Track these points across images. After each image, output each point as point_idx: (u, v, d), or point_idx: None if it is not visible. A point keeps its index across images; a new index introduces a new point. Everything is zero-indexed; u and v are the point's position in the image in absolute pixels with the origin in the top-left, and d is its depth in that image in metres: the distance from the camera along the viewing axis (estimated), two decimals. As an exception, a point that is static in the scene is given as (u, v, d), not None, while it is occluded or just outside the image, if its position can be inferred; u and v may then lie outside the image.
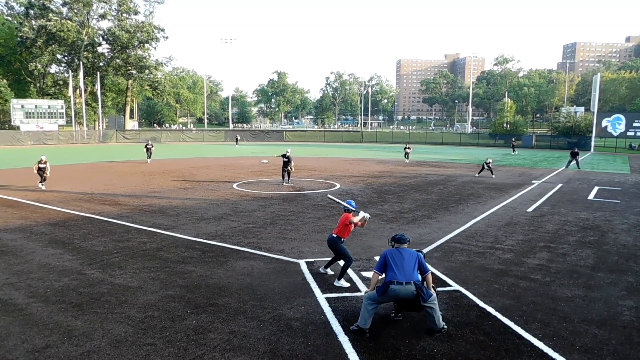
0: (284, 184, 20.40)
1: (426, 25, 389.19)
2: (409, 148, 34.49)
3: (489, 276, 8.44)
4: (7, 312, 6.63)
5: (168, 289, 7.58)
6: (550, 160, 37.90)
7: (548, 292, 7.67)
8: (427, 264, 6.41)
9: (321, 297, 7.24)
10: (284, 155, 20.77)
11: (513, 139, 52.89)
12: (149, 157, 31.90)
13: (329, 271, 8.40)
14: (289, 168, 20.61)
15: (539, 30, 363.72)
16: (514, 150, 48.04)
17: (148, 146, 32.13)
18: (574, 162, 29.66)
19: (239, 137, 60.14)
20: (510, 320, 6.52)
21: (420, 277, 6.22)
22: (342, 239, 8.02)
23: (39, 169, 18.75)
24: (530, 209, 15.22)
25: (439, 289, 7.62)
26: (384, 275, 6.23)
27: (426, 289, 6.12)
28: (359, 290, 7.56)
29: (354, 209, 8.05)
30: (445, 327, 6.17)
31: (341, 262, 8.06)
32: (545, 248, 10.42)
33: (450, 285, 7.87)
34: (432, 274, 6.80)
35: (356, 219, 7.93)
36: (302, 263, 8.97)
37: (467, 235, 11.56)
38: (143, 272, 8.41)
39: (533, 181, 22.80)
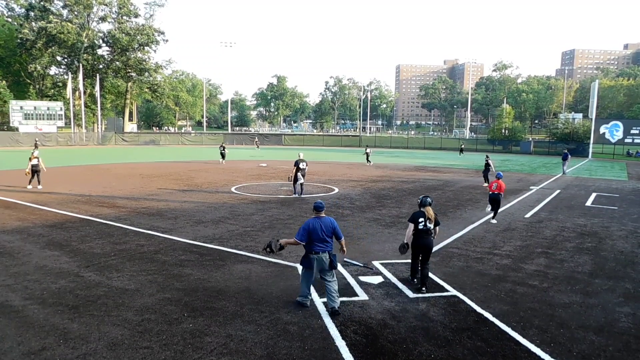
0: (296, 195, 17.86)
1: (425, 31, 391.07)
2: (368, 150, 36.25)
3: (486, 282, 8.44)
4: (3, 314, 6.60)
5: (165, 292, 7.56)
6: (549, 166, 37.97)
7: (545, 298, 7.67)
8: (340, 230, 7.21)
9: (318, 301, 7.22)
10: (298, 162, 17.86)
11: (461, 143, 57.68)
12: (223, 158, 33.57)
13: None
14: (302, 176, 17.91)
15: (538, 37, 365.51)
16: (460, 153, 51.82)
17: (222, 151, 33.77)
18: (565, 164, 30.32)
19: (257, 140, 60.75)
20: (507, 326, 6.52)
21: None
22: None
23: (32, 166, 18.84)
24: (528, 215, 15.24)
25: (437, 294, 7.65)
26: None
27: (334, 256, 7.01)
28: (356, 295, 7.55)
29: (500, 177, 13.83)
30: (338, 308, 6.78)
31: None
32: (543, 254, 10.43)
33: (447, 291, 7.86)
34: (430, 279, 7.57)
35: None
36: (300, 267, 8.93)
37: (465, 240, 11.56)
38: (140, 274, 8.39)
39: (531, 187, 22.83)
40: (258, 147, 59.00)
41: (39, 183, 18.99)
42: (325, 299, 7.18)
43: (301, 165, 17.95)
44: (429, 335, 6.19)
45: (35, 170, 18.92)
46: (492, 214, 14.00)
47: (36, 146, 46.88)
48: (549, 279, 8.66)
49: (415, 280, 8.12)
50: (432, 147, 65.87)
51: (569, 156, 31.78)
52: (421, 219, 7.76)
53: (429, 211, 7.82)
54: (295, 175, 17.90)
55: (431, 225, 7.80)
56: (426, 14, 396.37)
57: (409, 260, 8.53)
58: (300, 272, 7.36)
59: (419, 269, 8.00)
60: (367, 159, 35.33)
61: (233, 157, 39.70)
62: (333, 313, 6.72)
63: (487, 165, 23.37)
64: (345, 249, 7.36)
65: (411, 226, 7.84)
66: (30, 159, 19.05)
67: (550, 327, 6.53)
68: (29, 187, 18.85)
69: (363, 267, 8.98)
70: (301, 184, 18.14)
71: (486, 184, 22.97)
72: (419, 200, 8.06)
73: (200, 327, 6.24)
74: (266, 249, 7.29)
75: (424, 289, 7.74)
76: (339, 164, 35.11)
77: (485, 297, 7.65)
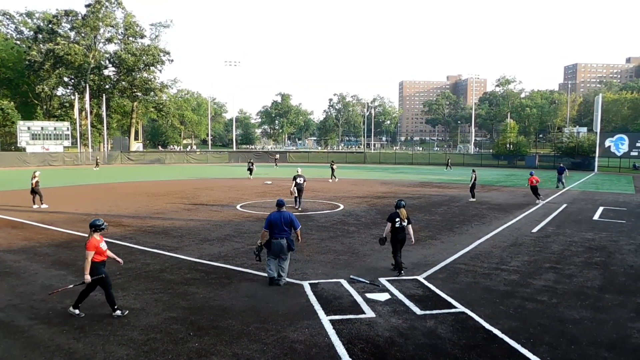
0: (299, 209, 18.89)
1: (428, 47, 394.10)
2: (334, 166, 35.17)
3: (494, 298, 8.34)
4: (9, 334, 6.58)
5: (171, 310, 7.53)
6: (554, 180, 37.66)
7: (555, 314, 7.56)
8: (297, 221, 9.11)
9: (325, 320, 7.16)
10: (296, 177, 19.28)
11: (448, 158, 60.05)
12: (251, 174, 36.39)
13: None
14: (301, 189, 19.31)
15: (540, 52, 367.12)
16: (449, 168, 53.64)
17: (250, 167, 37.10)
18: (562, 178, 30.30)
19: (277, 157, 59.37)
20: (517, 342, 6.42)
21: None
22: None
23: (34, 184, 19.18)
24: (535, 230, 15.12)
25: (444, 310, 7.57)
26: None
27: (292, 241, 8.96)
28: (363, 312, 7.47)
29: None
30: (285, 281, 8.85)
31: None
32: (551, 269, 10.32)
33: (455, 307, 7.77)
34: (438, 295, 8.18)
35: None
36: (306, 285, 8.89)
37: (472, 256, 11.47)
38: (146, 293, 8.36)
39: (537, 201, 22.69)
40: (277, 165, 56.32)
41: (41, 202, 19.16)
42: (331, 317, 7.14)
43: (298, 180, 19.25)
44: (438, 352, 6.10)
45: (33, 190, 19.23)
46: (537, 199, 22.00)
47: (97, 164, 50.92)
48: (558, 295, 8.55)
49: (402, 272, 9.58)
50: (437, 163, 65.69)
51: (566, 170, 31.66)
52: (397, 219, 9.53)
53: (402, 212, 9.61)
54: (292, 189, 19.25)
55: (405, 224, 9.58)
56: (428, 30, 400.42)
57: (416, 277, 9.35)
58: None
59: (400, 260, 9.59)
60: (332, 174, 34.18)
61: (239, 175, 39.83)
62: (272, 282, 8.80)
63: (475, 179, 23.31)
64: (300, 237, 9.26)
65: (389, 225, 9.55)
66: (32, 178, 19.31)
67: (561, 344, 6.42)
68: (35, 206, 19.01)
69: (370, 284, 8.92)
70: (296, 198, 19.25)
71: (473, 199, 22.84)
72: (395, 203, 9.89)
73: (206, 346, 6.19)
74: (257, 259, 9.13)
75: (402, 272, 9.49)
76: (343, 181, 35.10)
77: (493, 313, 7.55)
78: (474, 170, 24.22)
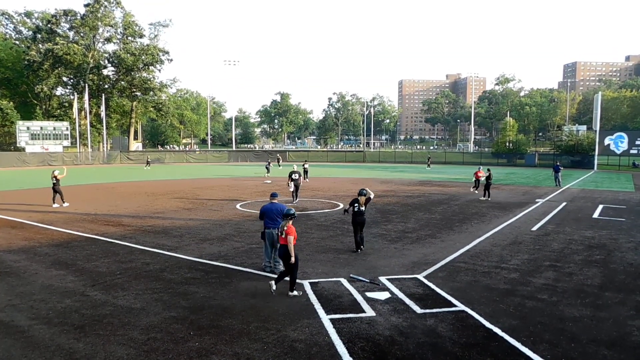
0: (295, 202, 20.52)
1: (427, 46, 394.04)
2: (306, 166, 33.10)
3: (495, 296, 8.35)
4: (8, 334, 6.58)
5: (171, 310, 7.53)
6: (552, 179, 37.75)
7: (555, 312, 7.57)
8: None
9: (325, 318, 7.16)
10: (292, 174, 20.85)
11: (429, 156, 61.77)
12: (268, 172, 37.89)
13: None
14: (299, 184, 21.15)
15: (539, 50, 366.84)
16: (428, 166, 55.35)
17: (268, 166, 38.90)
18: (558, 176, 30.64)
19: (280, 157, 57.77)
20: (517, 341, 6.42)
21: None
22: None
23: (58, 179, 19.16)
24: (534, 228, 15.13)
25: (444, 309, 7.57)
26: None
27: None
28: (363, 311, 7.48)
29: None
30: (281, 269, 8.97)
31: None
32: (551, 267, 10.32)
33: (455, 306, 7.77)
34: (438, 294, 8.26)
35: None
36: (306, 284, 8.89)
37: (472, 254, 11.47)
38: (146, 293, 8.36)
39: (537, 200, 22.70)
40: (280, 165, 53.88)
41: (58, 201, 19.14)
42: (331, 316, 7.16)
43: (293, 176, 20.74)
44: (438, 351, 6.11)
45: (54, 189, 19.16)
46: (472, 188, 26.07)
47: (148, 163, 51.98)
48: (558, 293, 8.55)
49: (359, 250, 11.44)
50: (437, 162, 65.73)
51: (561, 168, 31.86)
52: (356, 204, 11.38)
53: (361, 199, 11.39)
54: (288, 184, 20.88)
55: (363, 209, 11.38)
56: (428, 29, 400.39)
57: (416, 276, 9.53)
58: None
59: (359, 240, 11.43)
60: (304, 174, 31.33)
61: (238, 174, 39.83)
62: (272, 272, 9.40)
63: (488, 177, 23.17)
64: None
65: (349, 207, 11.53)
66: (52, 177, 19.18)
67: (561, 342, 6.43)
68: (55, 205, 18.96)
69: (370, 283, 8.92)
70: (293, 192, 20.87)
71: (488, 198, 22.80)
72: (358, 192, 11.68)
73: (206, 346, 6.19)
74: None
75: (362, 247, 11.47)
76: (343, 180, 35.11)
77: (493, 311, 7.56)
78: (489, 170, 24.04)
